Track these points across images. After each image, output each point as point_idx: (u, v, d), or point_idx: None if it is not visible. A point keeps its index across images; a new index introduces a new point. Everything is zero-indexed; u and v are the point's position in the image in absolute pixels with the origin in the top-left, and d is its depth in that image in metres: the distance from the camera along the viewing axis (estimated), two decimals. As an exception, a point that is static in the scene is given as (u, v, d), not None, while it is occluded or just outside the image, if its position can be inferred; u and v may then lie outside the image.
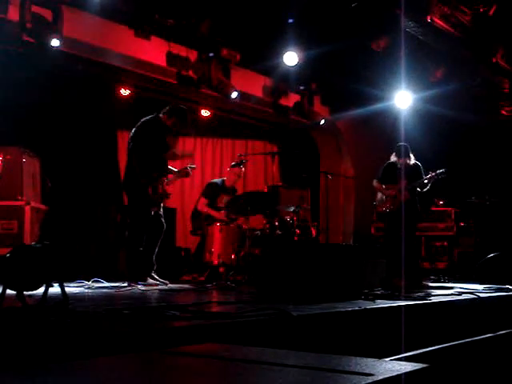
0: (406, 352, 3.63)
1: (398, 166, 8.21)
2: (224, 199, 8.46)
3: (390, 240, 8.10)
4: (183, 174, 7.25)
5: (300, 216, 8.79)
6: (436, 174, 8.02)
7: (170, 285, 6.65)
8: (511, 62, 9.93)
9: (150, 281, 6.56)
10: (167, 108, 6.90)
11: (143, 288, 6.08)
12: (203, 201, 8.34)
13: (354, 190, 12.34)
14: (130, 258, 6.62)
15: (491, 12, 8.34)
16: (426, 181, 8.09)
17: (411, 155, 8.24)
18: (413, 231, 8.09)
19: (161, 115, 6.85)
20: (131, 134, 6.84)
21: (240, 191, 11.80)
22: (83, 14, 7.78)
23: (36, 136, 8.32)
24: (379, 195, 8.42)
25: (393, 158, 8.33)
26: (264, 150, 11.82)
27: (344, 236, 12.33)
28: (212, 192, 8.42)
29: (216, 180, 8.82)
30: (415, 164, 8.23)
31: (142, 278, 6.48)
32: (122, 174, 10.03)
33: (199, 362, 2.01)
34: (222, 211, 8.37)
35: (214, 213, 8.30)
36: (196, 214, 8.39)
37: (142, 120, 6.81)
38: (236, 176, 8.63)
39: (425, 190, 8.18)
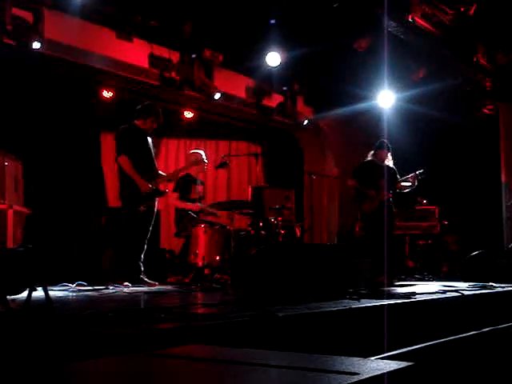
0: (390, 351, 3.65)
1: (379, 163, 8.21)
2: (197, 190, 8.45)
3: (371, 240, 8.13)
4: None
5: (284, 216, 8.79)
6: (416, 175, 8.09)
7: (157, 286, 6.71)
8: (492, 61, 10.01)
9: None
10: (136, 112, 7.10)
11: (128, 290, 6.07)
12: (174, 195, 8.29)
13: (337, 189, 12.37)
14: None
15: (471, 11, 8.40)
16: (408, 183, 8.15)
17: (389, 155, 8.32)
18: (391, 230, 8.14)
19: (136, 121, 7.05)
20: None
21: (224, 193, 11.83)
22: (64, 15, 7.74)
23: (18, 139, 8.22)
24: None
25: (370, 157, 8.35)
26: (248, 150, 11.82)
27: (328, 236, 12.36)
28: (183, 184, 8.35)
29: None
30: (392, 168, 8.30)
31: (131, 280, 6.58)
32: (105, 176, 10.08)
33: (185, 364, 2.01)
34: (197, 203, 8.38)
35: (187, 205, 8.26)
36: (179, 215, 8.32)
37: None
38: (198, 168, 8.57)
39: (406, 191, 8.26)
